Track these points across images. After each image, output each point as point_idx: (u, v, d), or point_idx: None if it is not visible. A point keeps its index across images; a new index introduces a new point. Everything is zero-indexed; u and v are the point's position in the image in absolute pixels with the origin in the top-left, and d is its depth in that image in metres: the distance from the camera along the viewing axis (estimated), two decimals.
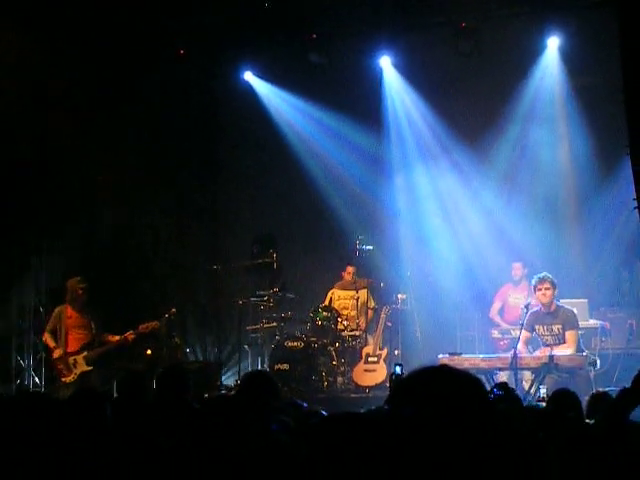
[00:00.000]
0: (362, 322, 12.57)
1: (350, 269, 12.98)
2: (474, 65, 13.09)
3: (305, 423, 4.51)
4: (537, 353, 9.79)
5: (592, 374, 9.93)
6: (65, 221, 12.55)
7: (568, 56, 12.85)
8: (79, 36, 12.14)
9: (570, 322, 9.83)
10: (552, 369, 9.28)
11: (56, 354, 11.02)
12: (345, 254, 13.26)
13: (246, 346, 13.28)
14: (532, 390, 9.22)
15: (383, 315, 12.24)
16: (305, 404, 5.67)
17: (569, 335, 9.74)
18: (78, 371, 10.89)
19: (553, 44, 12.91)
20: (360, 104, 13.63)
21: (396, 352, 12.26)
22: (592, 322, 11.28)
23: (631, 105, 9.17)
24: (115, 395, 7.10)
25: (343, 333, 12.39)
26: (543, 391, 8.44)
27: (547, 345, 9.84)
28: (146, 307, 13.20)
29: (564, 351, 9.60)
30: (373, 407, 4.91)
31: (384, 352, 11.99)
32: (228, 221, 14.92)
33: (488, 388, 9.34)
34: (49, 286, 12.55)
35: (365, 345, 12.25)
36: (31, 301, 12.57)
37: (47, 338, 11.15)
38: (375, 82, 13.92)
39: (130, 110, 13.02)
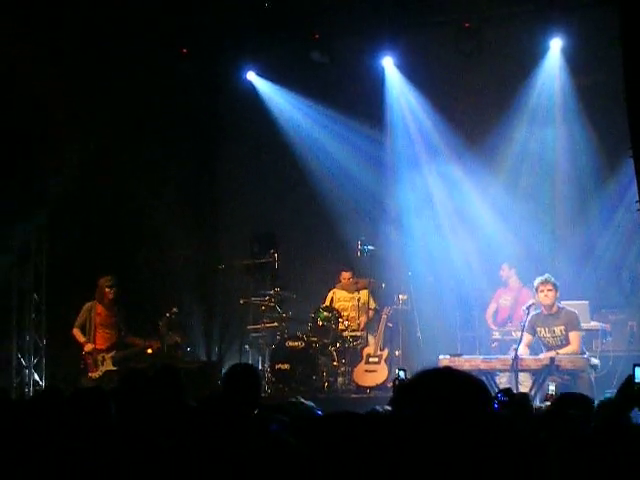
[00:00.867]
0: (362, 322, 12.55)
1: (346, 275, 12.96)
2: (476, 65, 13.08)
3: (304, 422, 4.50)
4: (541, 356, 9.75)
5: (593, 376, 9.91)
6: (66, 220, 12.56)
7: (571, 56, 12.83)
8: (80, 35, 12.12)
9: (573, 323, 9.81)
10: (553, 371, 9.26)
11: (87, 348, 11.34)
12: (342, 257, 13.25)
13: (247, 346, 13.27)
14: (533, 392, 9.19)
15: (384, 316, 12.23)
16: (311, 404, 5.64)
17: (573, 336, 9.71)
18: (104, 369, 11.21)
19: (556, 44, 12.88)
20: (362, 104, 13.62)
21: (397, 353, 12.25)
22: (593, 324, 11.27)
23: (633, 105, 9.12)
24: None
25: (344, 333, 12.38)
26: (552, 388, 8.36)
27: (548, 347, 9.81)
28: (146, 307, 13.21)
29: (570, 351, 9.55)
30: (379, 407, 4.88)
31: (385, 353, 11.98)
32: (229, 220, 14.90)
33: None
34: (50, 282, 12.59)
35: (366, 345, 12.23)
36: (32, 299, 12.59)
37: (76, 332, 11.44)
38: (377, 82, 13.90)
39: (132, 109, 13.00)
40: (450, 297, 12.94)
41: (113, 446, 4.26)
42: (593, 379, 9.95)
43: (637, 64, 8.97)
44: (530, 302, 9.94)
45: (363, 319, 12.59)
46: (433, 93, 13.48)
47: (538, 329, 9.88)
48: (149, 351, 12.74)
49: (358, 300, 12.59)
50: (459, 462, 2.13)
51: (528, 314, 9.82)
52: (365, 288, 12.75)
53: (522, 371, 9.54)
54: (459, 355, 10.17)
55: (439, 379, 2.27)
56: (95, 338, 11.30)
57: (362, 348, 12.21)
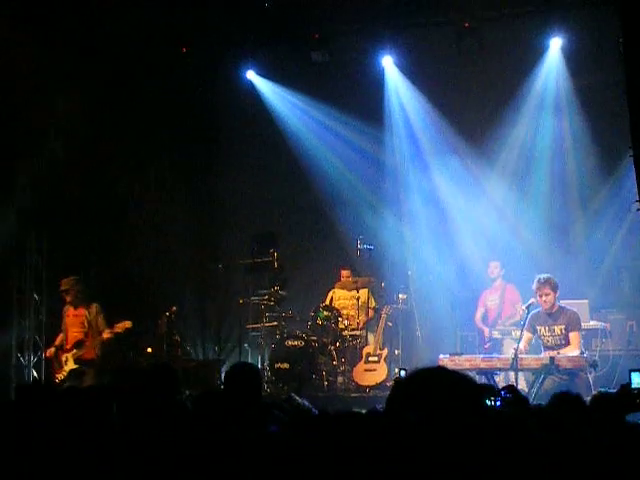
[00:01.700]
0: (362, 321, 12.56)
1: (345, 272, 13.00)
2: (476, 64, 13.10)
3: (301, 420, 4.49)
4: (541, 355, 9.75)
5: (592, 376, 9.90)
6: (66, 219, 12.56)
7: (570, 54, 12.85)
8: (82, 34, 12.12)
9: (574, 323, 9.78)
10: (553, 370, 9.24)
11: (47, 353, 11.59)
12: (342, 256, 13.26)
13: (246, 345, 13.28)
14: (532, 391, 9.19)
15: (384, 315, 12.23)
16: (306, 402, 5.64)
17: (573, 336, 9.69)
18: (67, 368, 11.12)
19: (555, 44, 12.91)
20: (362, 103, 13.64)
21: (396, 352, 12.26)
22: (592, 323, 11.27)
23: (634, 106, 9.14)
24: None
25: (344, 332, 12.39)
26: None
27: (547, 346, 9.80)
28: (146, 305, 13.22)
29: (571, 352, 9.55)
30: (378, 406, 4.87)
31: (384, 352, 11.97)
32: (230, 219, 14.91)
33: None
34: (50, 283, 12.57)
35: (366, 345, 12.24)
36: (32, 298, 12.59)
37: (57, 338, 11.50)
38: (377, 81, 13.91)
39: (132, 108, 13.01)
40: (450, 296, 12.94)
41: (114, 445, 4.26)
42: (592, 378, 9.95)
43: (638, 64, 8.98)
44: (530, 301, 9.92)
45: (363, 318, 12.60)
46: (433, 92, 13.51)
47: (538, 327, 9.85)
48: (148, 350, 12.78)
49: (358, 299, 12.59)
50: (451, 460, 2.14)
51: (528, 313, 9.80)
52: (365, 287, 12.76)
53: (522, 370, 9.52)
54: (459, 354, 10.15)
55: (432, 378, 2.29)
56: (67, 339, 11.30)
57: (362, 347, 12.22)
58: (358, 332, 12.47)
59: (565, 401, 4.73)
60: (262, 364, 12.66)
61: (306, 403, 5.49)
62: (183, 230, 14.33)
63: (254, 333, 13.20)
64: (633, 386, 5.71)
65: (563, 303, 10.17)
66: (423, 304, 12.75)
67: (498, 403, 4.88)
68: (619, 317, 11.73)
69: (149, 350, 12.73)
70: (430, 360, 10.64)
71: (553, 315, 9.80)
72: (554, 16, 12.59)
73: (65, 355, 11.19)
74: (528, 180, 13.12)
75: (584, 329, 10.49)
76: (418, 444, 2.18)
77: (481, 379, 10.35)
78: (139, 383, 5.95)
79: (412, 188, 13.76)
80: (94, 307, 11.19)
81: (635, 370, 5.90)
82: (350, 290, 12.88)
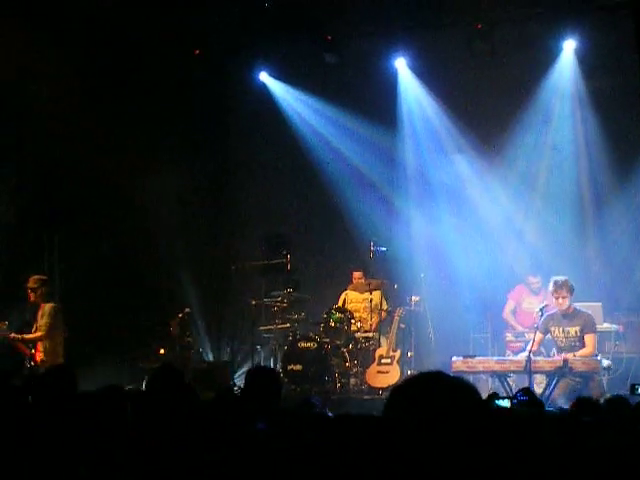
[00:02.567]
0: (375, 323, 12.56)
1: (357, 274, 12.99)
2: (489, 66, 13.09)
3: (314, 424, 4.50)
4: (555, 357, 9.72)
5: (605, 378, 9.89)
6: (77, 220, 12.59)
7: (584, 57, 12.82)
8: (92, 35, 12.16)
9: (589, 325, 9.77)
10: (566, 373, 9.24)
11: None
12: (355, 258, 13.26)
13: (259, 346, 13.28)
14: (546, 394, 9.18)
15: (396, 317, 12.21)
16: (318, 402, 5.64)
17: (589, 338, 9.67)
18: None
19: (569, 46, 12.88)
20: (375, 105, 13.63)
21: (409, 354, 12.25)
22: (606, 326, 11.23)
23: None
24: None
25: (356, 334, 12.39)
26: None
27: (560, 348, 9.79)
28: (158, 307, 13.25)
29: (587, 353, 9.52)
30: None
31: (397, 354, 11.96)
32: (242, 221, 14.93)
33: (503, 391, 9.33)
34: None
35: (378, 346, 12.22)
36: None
37: None
38: (390, 83, 13.92)
39: (144, 109, 13.03)
40: (463, 298, 12.92)
41: (129, 445, 4.27)
42: (605, 381, 9.94)
43: None
44: (544, 304, 9.90)
45: (375, 320, 12.59)
46: (446, 94, 13.49)
47: (552, 329, 9.84)
48: (161, 352, 12.80)
49: (370, 301, 12.59)
50: (448, 464, 2.15)
51: (542, 315, 9.79)
52: (377, 289, 12.74)
53: (535, 372, 9.51)
54: (472, 356, 10.14)
55: (429, 383, 2.30)
56: None
57: (374, 349, 12.21)
58: (371, 334, 12.46)
59: (583, 405, 4.72)
60: (275, 366, 12.66)
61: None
62: (196, 232, 14.36)
63: (267, 335, 13.20)
64: None
65: (577, 305, 10.16)
66: (436, 306, 12.71)
67: (509, 404, 4.89)
68: (632, 320, 11.69)
69: (162, 352, 12.74)
70: (443, 362, 10.63)
71: (568, 316, 9.79)
72: (567, 18, 12.56)
73: None
74: (541, 182, 13.10)
75: (598, 331, 10.48)
76: (416, 448, 2.19)
77: (494, 381, 10.37)
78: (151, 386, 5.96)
79: (425, 189, 13.75)
80: (47, 307, 10.48)
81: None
82: (363, 292, 12.88)
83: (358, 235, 13.38)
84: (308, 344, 12.09)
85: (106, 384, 4.90)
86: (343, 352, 12.25)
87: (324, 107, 14.08)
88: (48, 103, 11.81)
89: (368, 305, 12.63)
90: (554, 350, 10.03)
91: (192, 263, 14.22)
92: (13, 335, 10.31)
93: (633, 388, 6.50)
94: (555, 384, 9.28)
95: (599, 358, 9.59)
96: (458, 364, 9.66)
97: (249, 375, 5.41)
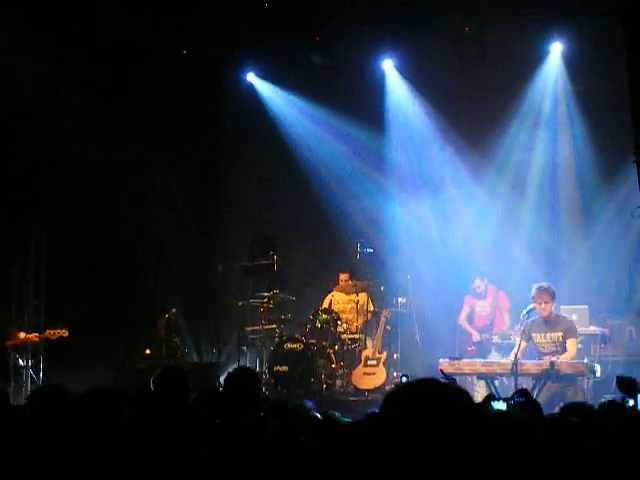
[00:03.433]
0: (361, 325, 12.56)
1: (343, 276, 12.98)
2: (477, 68, 13.13)
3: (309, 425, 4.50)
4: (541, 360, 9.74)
5: (591, 381, 9.92)
6: (67, 219, 12.56)
7: (570, 60, 12.87)
8: (81, 37, 12.13)
9: (572, 331, 9.81)
10: (552, 376, 9.25)
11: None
12: (342, 260, 13.26)
13: (245, 347, 13.26)
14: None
15: (383, 318, 12.22)
16: (311, 404, 5.63)
17: (571, 343, 9.71)
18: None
19: (556, 49, 12.95)
20: (362, 106, 13.63)
21: (395, 356, 12.26)
22: (592, 329, 11.27)
23: (637, 112, 9.15)
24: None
25: (342, 336, 12.39)
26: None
27: (543, 353, 9.80)
28: (145, 307, 13.22)
29: (569, 358, 9.56)
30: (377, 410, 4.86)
31: (383, 355, 11.97)
32: (229, 222, 14.91)
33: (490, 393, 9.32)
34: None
35: (364, 348, 12.24)
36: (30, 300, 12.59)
37: None
38: (378, 85, 13.92)
39: (132, 111, 13.00)
40: (449, 300, 12.91)
41: (126, 447, 4.26)
42: (591, 384, 9.96)
43: None
44: (530, 307, 9.92)
45: (362, 321, 12.60)
46: (433, 96, 13.50)
47: (534, 335, 9.86)
48: (147, 352, 12.76)
49: (357, 303, 12.59)
50: (442, 468, 2.17)
51: (528, 318, 9.80)
52: (364, 291, 12.75)
53: (522, 375, 9.51)
54: (459, 358, 10.14)
55: (420, 389, 2.32)
56: None
57: (360, 351, 12.22)
58: (357, 335, 12.46)
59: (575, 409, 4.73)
60: (261, 367, 12.65)
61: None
62: (183, 232, 14.32)
63: (253, 336, 13.18)
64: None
65: (563, 308, 10.19)
66: (422, 308, 12.72)
67: (505, 407, 4.88)
68: (618, 323, 11.72)
69: (148, 352, 12.71)
70: (429, 364, 10.64)
71: (550, 323, 9.82)
72: (554, 21, 12.60)
73: None
74: (529, 184, 13.12)
75: (583, 334, 10.53)
76: (411, 453, 2.20)
77: (480, 384, 10.39)
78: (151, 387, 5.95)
79: (412, 191, 13.75)
80: None
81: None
82: (349, 294, 12.88)
83: (345, 236, 13.39)
84: (294, 345, 12.08)
85: (93, 385, 4.87)
86: (329, 353, 12.25)
87: (312, 108, 14.07)
88: (42, 103, 11.81)
89: (354, 306, 12.63)
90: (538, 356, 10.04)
91: (179, 263, 14.20)
92: None
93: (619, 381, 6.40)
94: (542, 387, 9.28)
95: (586, 361, 9.62)
96: (444, 366, 9.63)
97: (228, 375, 5.43)
